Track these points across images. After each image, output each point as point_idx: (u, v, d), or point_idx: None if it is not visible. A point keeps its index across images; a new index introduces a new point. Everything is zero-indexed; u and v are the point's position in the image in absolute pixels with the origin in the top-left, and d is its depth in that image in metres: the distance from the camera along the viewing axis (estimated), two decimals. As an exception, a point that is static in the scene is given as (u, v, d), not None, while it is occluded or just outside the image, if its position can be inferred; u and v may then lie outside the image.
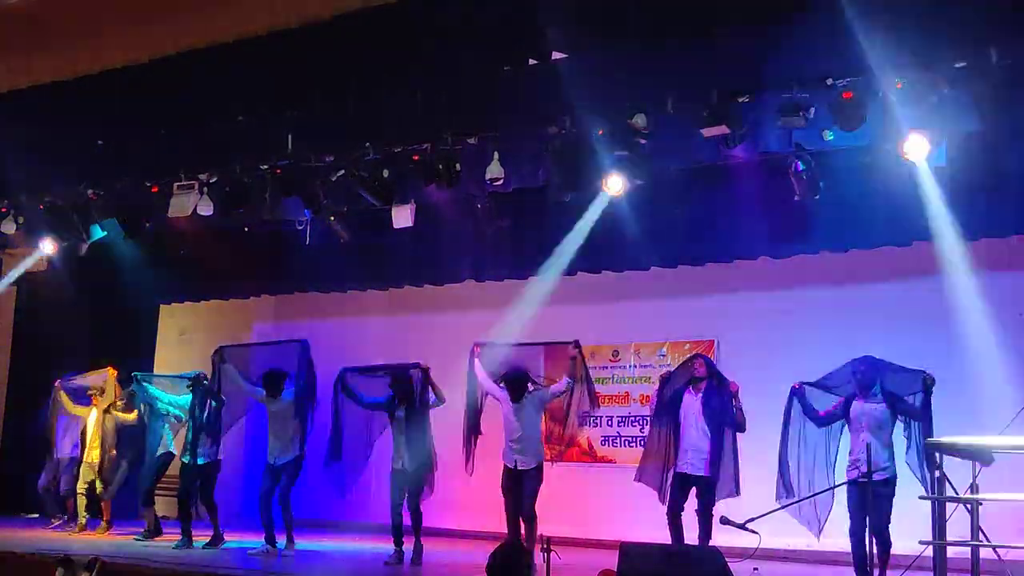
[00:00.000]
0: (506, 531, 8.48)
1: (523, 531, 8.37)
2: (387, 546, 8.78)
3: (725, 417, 8.11)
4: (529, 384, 8.65)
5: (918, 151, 7.76)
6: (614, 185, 8.89)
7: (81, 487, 10.74)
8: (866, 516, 7.08)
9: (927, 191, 8.08)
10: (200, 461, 9.48)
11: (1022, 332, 9.07)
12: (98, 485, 10.61)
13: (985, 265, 9.15)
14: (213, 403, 9.45)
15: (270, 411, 9.29)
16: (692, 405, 8.21)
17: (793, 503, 7.68)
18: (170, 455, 10.04)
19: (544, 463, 8.67)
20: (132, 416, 10.63)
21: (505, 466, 8.57)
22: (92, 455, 10.70)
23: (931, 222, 8.27)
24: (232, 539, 9.74)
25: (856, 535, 7.31)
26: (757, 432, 9.52)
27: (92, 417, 10.87)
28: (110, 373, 11.01)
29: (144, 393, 10.15)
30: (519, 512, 8.42)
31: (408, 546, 8.63)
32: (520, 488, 8.44)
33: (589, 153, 8.53)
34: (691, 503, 8.16)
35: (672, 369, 9.08)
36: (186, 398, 9.81)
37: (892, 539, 7.24)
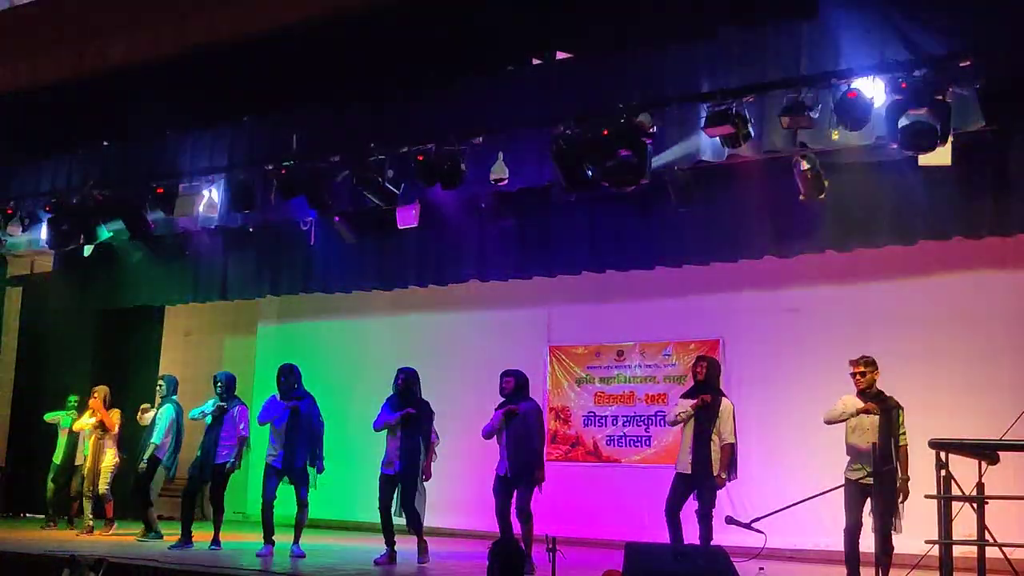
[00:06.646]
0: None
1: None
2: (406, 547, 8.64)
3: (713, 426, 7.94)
4: None
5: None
6: (619, 184, 8.86)
7: (86, 489, 10.76)
8: (861, 516, 7.11)
9: (932, 190, 8.07)
10: (217, 461, 9.47)
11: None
12: (101, 486, 10.63)
13: (990, 264, 9.15)
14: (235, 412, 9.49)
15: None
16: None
17: (797, 503, 7.65)
18: (156, 460, 10.00)
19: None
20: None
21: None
22: (96, 460, 10.78)
23: (936, 221, 8.27)
24: (234, 539, 9.74)
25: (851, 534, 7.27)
26: (764, 431, 9.56)
27: (88, 425, 10.95)
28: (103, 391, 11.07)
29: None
30: None
31: (412, 546, 8.55)
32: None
33: (593, 152, 8.52)
34: (692, 504, 8.12)
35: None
36: (166, 412, 9.97)
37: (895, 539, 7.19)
